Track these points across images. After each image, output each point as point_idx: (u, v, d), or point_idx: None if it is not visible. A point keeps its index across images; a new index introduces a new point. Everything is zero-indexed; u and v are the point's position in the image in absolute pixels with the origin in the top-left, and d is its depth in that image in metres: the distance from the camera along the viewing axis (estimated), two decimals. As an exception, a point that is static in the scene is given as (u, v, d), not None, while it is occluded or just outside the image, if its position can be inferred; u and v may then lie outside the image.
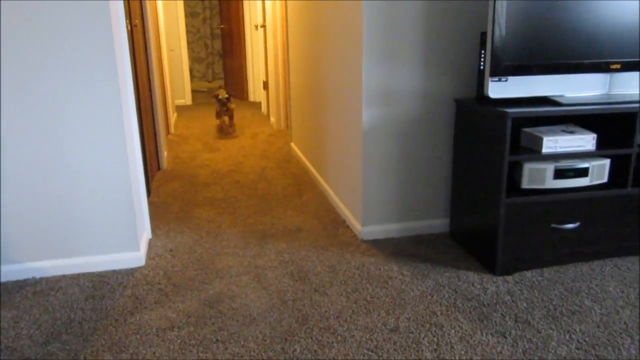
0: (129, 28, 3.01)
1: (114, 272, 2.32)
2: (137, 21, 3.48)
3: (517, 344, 1.76)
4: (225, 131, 5.41)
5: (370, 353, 1.71)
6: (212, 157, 4.36)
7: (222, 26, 7.92)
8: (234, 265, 2.37)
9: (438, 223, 2.68)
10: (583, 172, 2.23)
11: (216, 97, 5.25)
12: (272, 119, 5.67)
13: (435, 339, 1.79)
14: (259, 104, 7.21)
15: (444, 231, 2.68)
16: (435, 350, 1.72)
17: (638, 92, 2.33)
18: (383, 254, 2.45)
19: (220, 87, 5.54)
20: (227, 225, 2.84)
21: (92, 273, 2.31)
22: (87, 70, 2.13)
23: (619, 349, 1.73)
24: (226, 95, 5.18)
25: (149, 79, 3.88)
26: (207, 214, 3.03)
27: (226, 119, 5.43)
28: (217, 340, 1.80)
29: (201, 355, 1.72)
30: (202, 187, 3.55)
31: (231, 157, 4.36)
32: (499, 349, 1.73)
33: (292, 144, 4.50)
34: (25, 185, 2.19)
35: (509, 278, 2.20)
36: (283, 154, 4.40)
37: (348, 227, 2.78)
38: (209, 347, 1.76)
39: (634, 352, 1.72)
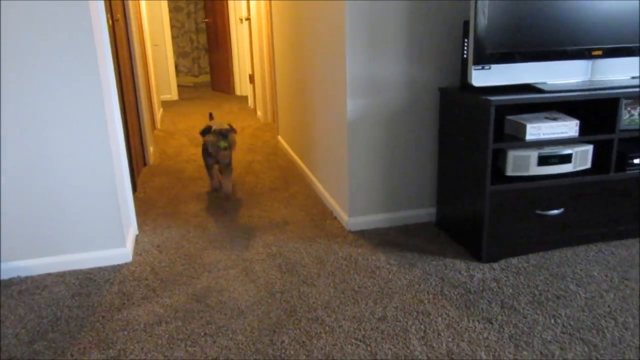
0: (110, 23, 2.98)
1: (101, 268, 2.30)
2: (119, 16, 3.44)
3: (504, 329, 1.77)
4: (218, 189, 3.33)
5: (359, 342, 1.72)
6: (198, 151, 4.34)
7: (206, 20, 7.85)
8: (221, 259, 2.36)
9: (424, 212, 2.69)
10: (566, 159, 2.25)
11: (206, 131, 3.09)
12: (259, 112, 5.64)
13: (422, 326, 1.80)
14: (246, 97, 7.17)
15: (431, 220, 2.70)
16: (423, 337, 1.74)
17: (620, 78, 2.35)
18: (370, 244, 2.45)
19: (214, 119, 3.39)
20: (215, 219, 2.83)
21: (78, 270, 2.29)
22: (67, 65, 2.10)
23: (603, 332, 1.75)
24: (226, 126, 3.08)
25: (132, 74, 3.84)
26: (194, 208, 3.02)
27: (219, 171, 3.31)
28: (205, 334, 1.80)
29: (189, 349, 1.72)
30: (189, 182, 3.53)
31: (218, 151, 4.33)
32: (485, 334, 1.75)
33: (279, 137, 4.49)
34: (7, 183, 2.17)
35: (495, 265, 2.22)
36: (270, 147, 4.39)
37: (335, 218, 2.78)
38: (197, 341, 1.76)
39: (617, 335, 1.74)
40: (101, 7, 2.39)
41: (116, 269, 2.30)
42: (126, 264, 2.34)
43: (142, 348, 1.73)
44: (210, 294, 2.06)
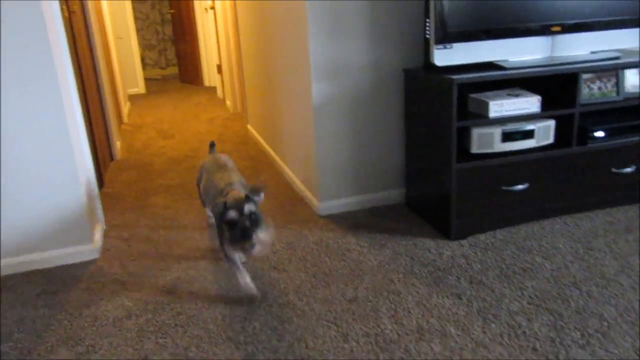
0: (67, 15, 2.89)
1: (68, 266, 2.25)
2: (76, 8, 3.34)
3: (472, 303, 1.80)
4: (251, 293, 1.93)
5: (330, 324, 1.73)
6: (167, 144, 4.27)
7: (171, 11, 7.71)
8: (191, 250, 2.34)
9: (394, 193, 2.70)
10: (529, 134, 2.28)
11: (224, 212, 1.67)
12: (228, 102, 5.58)
13: (393, 305, 1.81)
14: (215, 88, 7.08)
15: (401, 201, 2.71)
16: (393, 316, 1.75)
17: (579, 53, 2.38)
18: (341, 227, 2.46)
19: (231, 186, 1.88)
20: (184, 211, 2.80)
21: (44, 269, 2.24)
22: (20, 60, 2.03)
23: (568, 301, 1.80)
24: (252, 206, 1.68)
25: (94, 67, 3.75)
26: (163, 201, 2.98)
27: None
28: (176, 324, 1.78)
29: (160, 341, 1.70)
30: (158, 175, 3.48)
31: (187, 143, 4.27)
32: (454, 309, 1.77)
33: (249, 126, 4.45)
34: (-36, 183, 2.10)
35: (464, 242, 2.25)
36: (240, 137, 4.35)
37: (306, 204, 2.78)
38: (168, 332, 1.74)
39: (582, 303, 1.78)
40: (54, -3, 2.32)
41: (84, 265, 2.25)
42: (94, 259, 2.30)
43: (111, 343, 1.70)
44: (180, 285, 2.04)
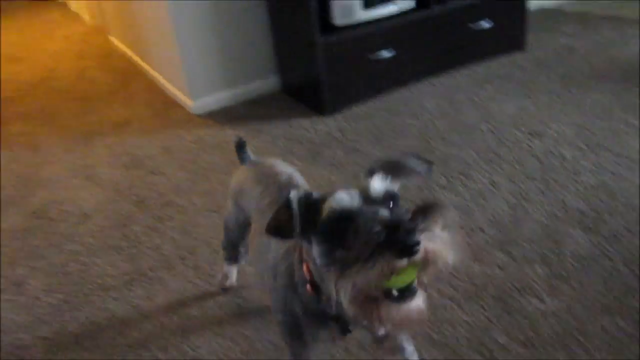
0: None
1: None
2: None
3: (347, 170, 1.87)
4: None
5: (212, 213, 1.72)
6: (17, 69, 3.80)
7: None
8: (59, 171, 2.17)
9: (269, 82, 2.64)
10: (389, -1, 2.27)
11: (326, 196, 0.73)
12: (86, 15, 5.02)
13: (273, 185, 1.83)
14: (67, 3, 6.30)
15: (277, 88, 2.66)
16: (274, 194, 1.78)
17: None
18: (218, 123, 2.39)
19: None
20: (47, 135, 2.56)
21: None
22: None
23: (434, 152, 1.92)
24: (389, 188, 0.72)
25: None
26: (20, 128, 2.70)
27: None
28: (50, 245, 1.69)
29: (32, 264, 1.61)
30: (9, 102, 3.11)
31: (42, 65, 3.83)
32: (332, 178, 1.83)
33: (112, 38, 4.06)
34: None
35: (338, 116, 2.28)
36: (103, 50, 3.97)
37: (180, 106, 2.65)
38: (42, 254, 1.65)
39: (446, 151, 1.91)
40: None
41: None
42: (-53, 201, 2.07)
43: (-21, 276, 1.59)
44: (50, 207, 1.91)
